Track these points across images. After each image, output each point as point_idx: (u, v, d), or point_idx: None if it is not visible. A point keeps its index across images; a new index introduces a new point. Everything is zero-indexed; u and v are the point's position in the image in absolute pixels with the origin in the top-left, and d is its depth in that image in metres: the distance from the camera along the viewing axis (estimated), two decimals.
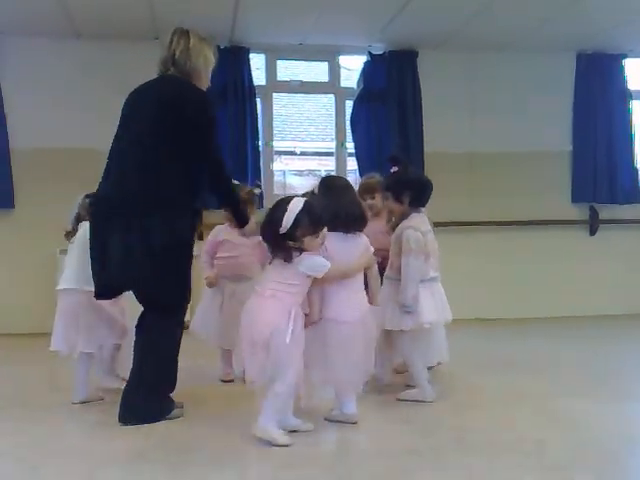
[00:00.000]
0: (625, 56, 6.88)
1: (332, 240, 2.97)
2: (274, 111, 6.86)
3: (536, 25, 6.04)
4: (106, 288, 3.21)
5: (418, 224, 3.48)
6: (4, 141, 5.98)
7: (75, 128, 6.00)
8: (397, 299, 3.40)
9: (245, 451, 2.79)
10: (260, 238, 3.08)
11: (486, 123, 6.68)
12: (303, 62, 7.97)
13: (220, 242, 4.07)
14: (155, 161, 3.12)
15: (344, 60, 6.94)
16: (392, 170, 3.64)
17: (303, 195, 3.01)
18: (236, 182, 4.14)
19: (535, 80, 6.73)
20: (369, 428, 3.10)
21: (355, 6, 5.57)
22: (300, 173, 12.83)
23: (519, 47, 6.57)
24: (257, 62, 6.72)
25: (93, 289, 3.26)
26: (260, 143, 6.47)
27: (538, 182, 6.74)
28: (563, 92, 6.82)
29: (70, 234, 3.59)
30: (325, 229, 2.89)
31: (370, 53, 6.58)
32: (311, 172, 12.44)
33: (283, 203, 2.86)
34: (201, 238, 5.89)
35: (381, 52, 6.58)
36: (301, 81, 7.08)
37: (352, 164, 6.81)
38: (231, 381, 3.92)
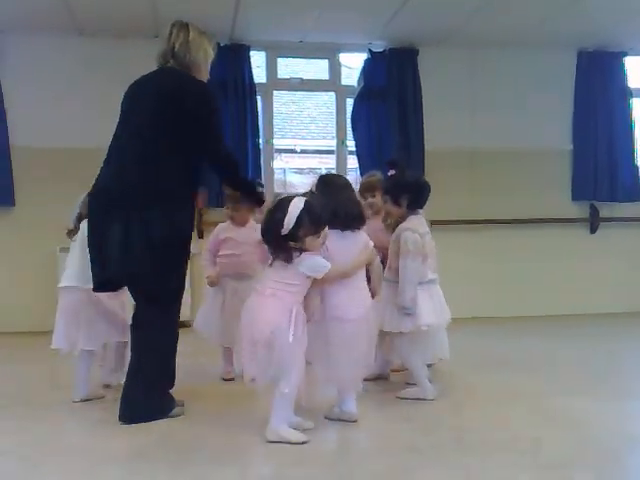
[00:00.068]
0: (626, 54, 6.86)
1: (331, 238, 2.97)
2: (274, 109, 6.85)
3: (537, 23, 6.03)
4: (105, 281, 3.18)
5: (416, 226, 3.50)
6: (4, 139, 5.97)
7: (76, 126, 5.99)
8: (396, 301, 3.41)
9: (246, 449, 2.79)
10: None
11: (487, 121, 6.67)
12: (304, 60, 7.95)
13: (222, 240, 4.06)
14: (155, 154, 3.12)
15: (345, 58, 6.92)
16: (389, 173, 3.67)
17: (304, 194, 3.00)
18: None
19: (536, 78, 6.72)
20: (369, 426, 3.10)
21: (356, 3, 5.56)
22: (300, 171, 12.83)
23: (520, 45, 6.56)
24: (257, 60, 6.71)
25: None
26: (260, 141, 6.46)
27: (538, 180, 6.73)
28: (564, 90, 6.81)
29: (72, 232, 3.59)
30: (326, 229, 2.89)
31: (370, 51, 6.56)
32: (312, 170, 12.43)
33: (283, 203, 2.84)
34: (201, 236, 5.92)
35: (381, 50, 6.57)
36: (301, 79, 7.06)
37: (353, 162, 6.80)
38: (232, 379, 3.92)
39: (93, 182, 3.24)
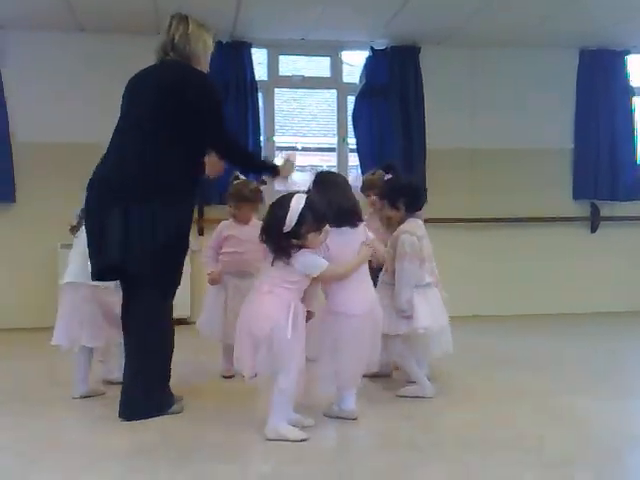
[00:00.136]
0: (628, 52, 6.84)
1: (330, 236, 2.96)
2: (276, 106, 6.83)
3: (538, 22, 6.02)
4: (104, 270, 3.15)
5: (414, 229, 3.52)
6: (6, 134, 5.96)
7: (77, 122, 5.98)
8: (392, 304, 3.43)
9: (245, 447, 2.79)
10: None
11: (488, 120, 6.65)
12: (305, 57, 7.93)
13: (225, 238, 4.06)
14: (155, 146, 3.11)
15: (346, 55, 6.91)
16: (385, 178, 3.68)
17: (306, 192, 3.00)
18: (242, 178, 4.15)
19: (537, 76, 6.70)
20: (369, 424, 3.10)
21: (358, 1, 5.55)
22: (302, 169, 12.81)
23: (521, 43, 6.54)
24: (259, 57, 6.70)
25: (97, 284, 3.25)
26: (262, 138, 6.45)
27: (539, 179, 6.72)
28: (565, 88, 6.79)
29: (75, 228, 3.58)
30: (327, 225, 2.88)
31: (372, 48, 6.55)
32: (313, 168, 12.42)
33: (284, 201, 2.84)
34: (201, 233, 5.92)
35: (383, 47, 6.56)
36: (303, 76, 7.05)
37: (354, 160, 6.79)
38: (232, 377, 3.91)
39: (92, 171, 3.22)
